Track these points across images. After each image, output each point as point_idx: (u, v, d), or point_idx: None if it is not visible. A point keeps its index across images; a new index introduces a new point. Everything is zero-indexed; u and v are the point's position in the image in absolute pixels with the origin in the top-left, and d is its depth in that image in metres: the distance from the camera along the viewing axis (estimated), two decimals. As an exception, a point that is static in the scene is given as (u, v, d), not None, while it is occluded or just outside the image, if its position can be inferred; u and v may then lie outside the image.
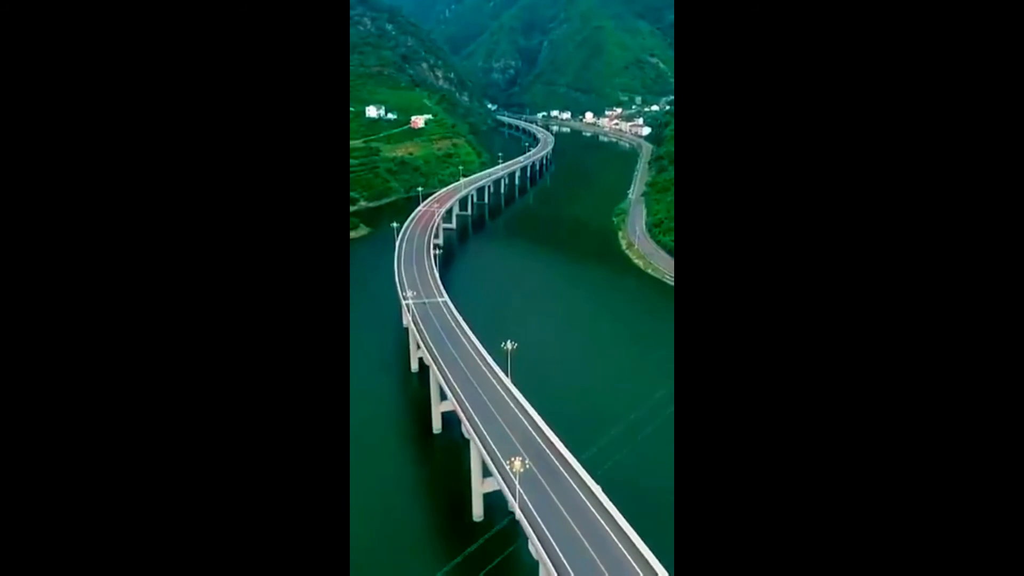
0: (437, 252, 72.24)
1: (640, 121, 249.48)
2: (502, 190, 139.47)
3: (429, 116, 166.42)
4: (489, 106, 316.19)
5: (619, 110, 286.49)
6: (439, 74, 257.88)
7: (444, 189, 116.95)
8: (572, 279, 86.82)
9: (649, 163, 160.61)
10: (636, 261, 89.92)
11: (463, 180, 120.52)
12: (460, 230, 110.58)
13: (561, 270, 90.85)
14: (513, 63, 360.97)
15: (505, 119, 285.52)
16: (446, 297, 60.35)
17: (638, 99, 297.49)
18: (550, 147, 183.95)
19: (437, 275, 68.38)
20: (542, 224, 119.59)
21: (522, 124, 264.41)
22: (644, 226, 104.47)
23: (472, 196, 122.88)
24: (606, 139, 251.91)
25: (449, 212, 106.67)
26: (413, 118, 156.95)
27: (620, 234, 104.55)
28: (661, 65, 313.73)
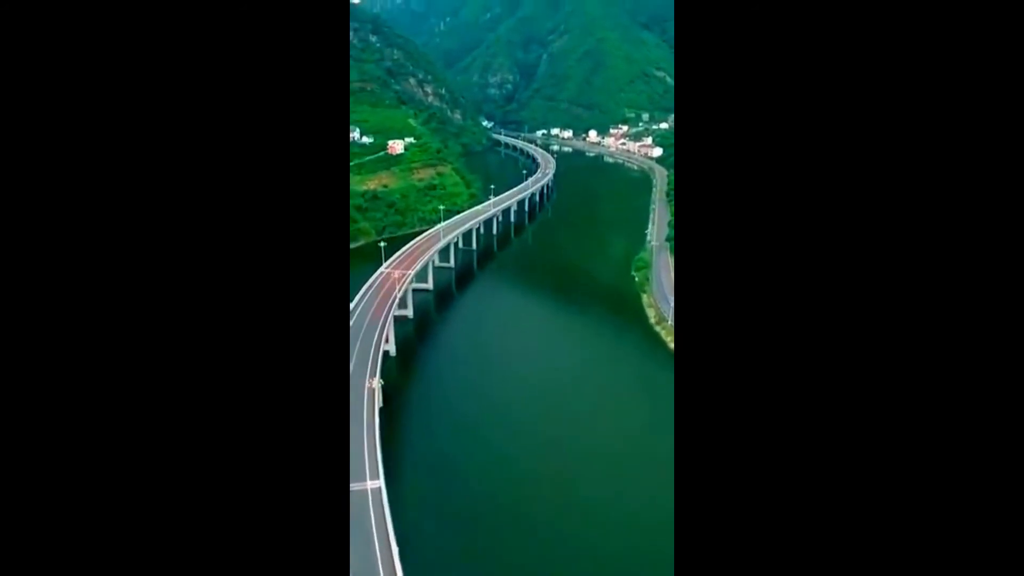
0: (379, 385, 47.31)
1: (649, 141, 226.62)
2: (495, 229, 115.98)
3: (411, 139, 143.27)
4: (485, 123, 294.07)
5: (625, 127, 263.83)
6: (429, 90, 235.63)
7: (417, 240, 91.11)
8: (588, 383, 62.13)
9: (668, 194, 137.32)
10: (673, 346, 66.23)
11: (442, 225, 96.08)
12: (439, 292, 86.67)
13: (572, 368, 65.16)
14: (511, 77, 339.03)
15: (502, 138, 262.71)
16: (380, 480, 36.02)
17: (645, 115, 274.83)
18: (551, 174, 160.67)
19: (377, 426, 42.57)
20: (544, 280, 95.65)
21: (519, 144, 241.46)
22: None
23: (458, 241, 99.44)
24: (611, 160, 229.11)
25: (425, 268, 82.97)
26: (390, 143, 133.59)
27: (644, 298, 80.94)
28: (668, 79, 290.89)
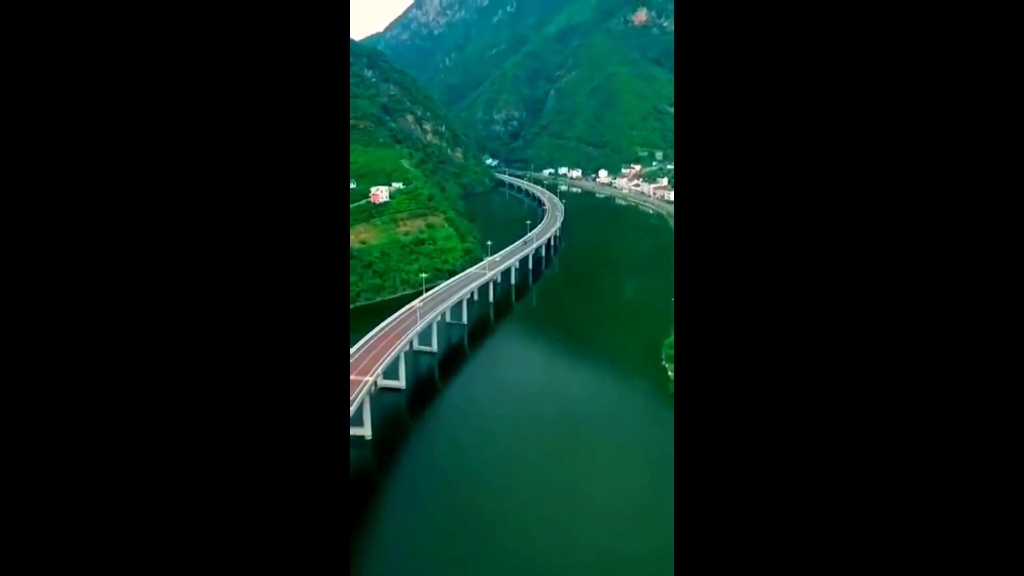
0: None
1: (665, 182, 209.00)
2: (492, 295, 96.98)
3: (399, 185, 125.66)
4: (489, 162, 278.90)
5: (637, 167, 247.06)
6: (427, 127, 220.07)
7: (386, 324, 69.58)
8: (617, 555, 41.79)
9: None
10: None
11: (419, 302, 75.83)
12: (415, 390, 67.09)
13: (593, 526, 44.03)
14: (516, 114, 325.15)
15: (506, 178, 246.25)
16: None
17: (659, 154, 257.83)
18: (559, 223, 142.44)
19: None
20: (553, 365, 76.19)
21: (525, 185, 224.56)
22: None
23: (445, 314, 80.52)
24: (624, 203, 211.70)
25: (396, 360, 63.72)
26: (373, 190, 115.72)
27: (683, 405, 61.13)
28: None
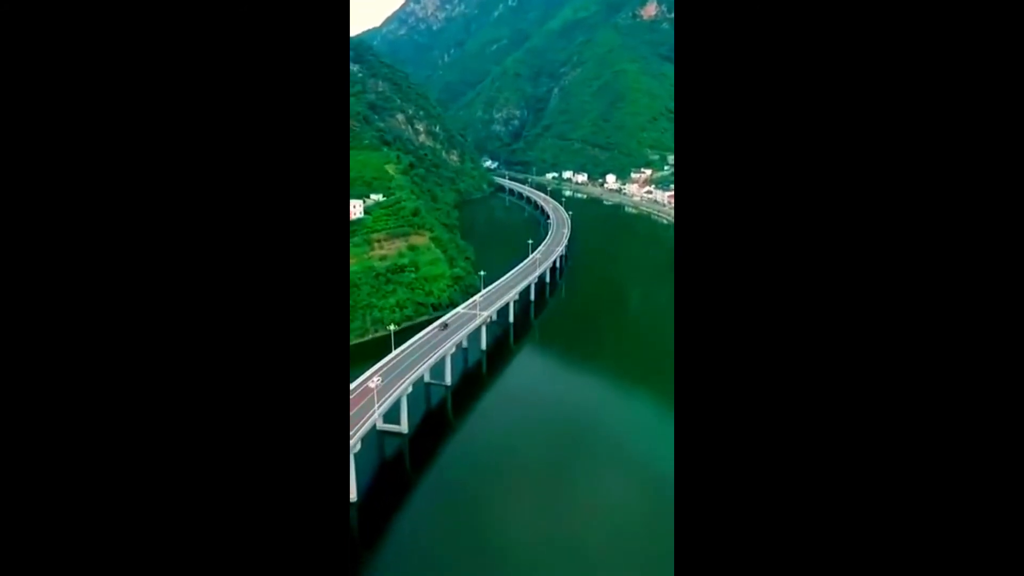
0: None
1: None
2: (484, 341, 78.16)
3: (380, 197, 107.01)
4: (488, 164, 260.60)
5: (648, 171, 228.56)
6: (420, 127, 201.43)
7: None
8: None
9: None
10: None
11: (378, 377, 55.81)
12: (375, 491, 48.15)
13: None
14: (517, 113, 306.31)
15: (506, 183, 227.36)
16: None
17: (670, 158, 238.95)
18: (565, 240, 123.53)
19: None
20: (560, 449, 57.08)
21: (526, 191, 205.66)
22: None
23: (424, 375, 61.93)
24: (635, 211, 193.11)
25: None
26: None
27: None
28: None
